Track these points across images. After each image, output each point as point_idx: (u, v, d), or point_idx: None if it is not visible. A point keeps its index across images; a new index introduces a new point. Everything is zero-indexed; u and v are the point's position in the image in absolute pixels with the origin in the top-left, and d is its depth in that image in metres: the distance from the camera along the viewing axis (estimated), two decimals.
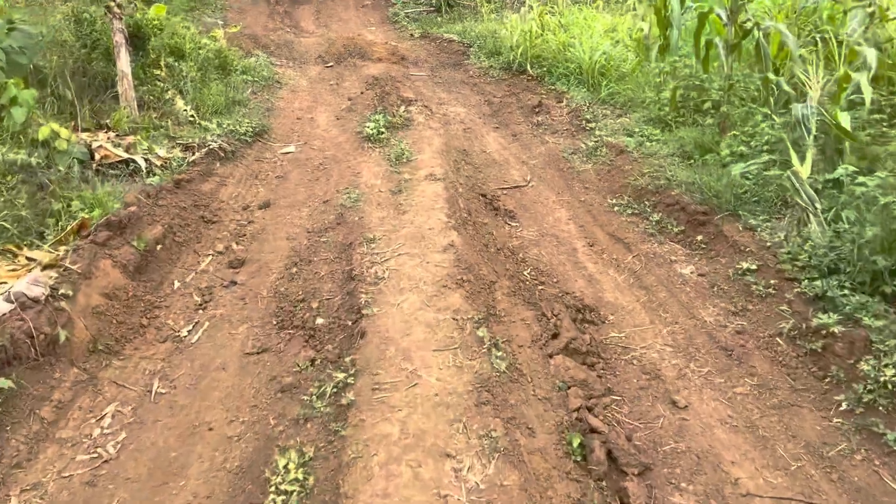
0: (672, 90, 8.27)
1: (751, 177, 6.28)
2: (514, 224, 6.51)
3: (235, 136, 8.67)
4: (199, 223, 6.48)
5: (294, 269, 5.77)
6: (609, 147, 7.96)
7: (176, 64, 10.61)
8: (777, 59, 7.54)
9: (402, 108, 10.14)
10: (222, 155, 7.95)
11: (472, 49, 14.58)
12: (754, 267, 5.38)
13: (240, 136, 8.68)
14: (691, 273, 5.63)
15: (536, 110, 10.24)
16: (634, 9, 15.59)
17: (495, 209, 6.75)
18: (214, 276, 5.78)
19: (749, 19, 7.17)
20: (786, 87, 6.66)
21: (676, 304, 5.26)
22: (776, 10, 8.35)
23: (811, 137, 5.73)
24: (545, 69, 12.36)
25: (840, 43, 6.73)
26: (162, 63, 10.35)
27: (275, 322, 5.07)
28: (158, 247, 5.87)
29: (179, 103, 9.77)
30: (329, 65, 14.02)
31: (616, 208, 6.76)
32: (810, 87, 6.06)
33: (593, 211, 6.73)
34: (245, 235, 6.40)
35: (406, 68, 13.81)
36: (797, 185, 5.54)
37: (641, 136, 8.17)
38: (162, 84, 10.04)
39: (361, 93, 11.79)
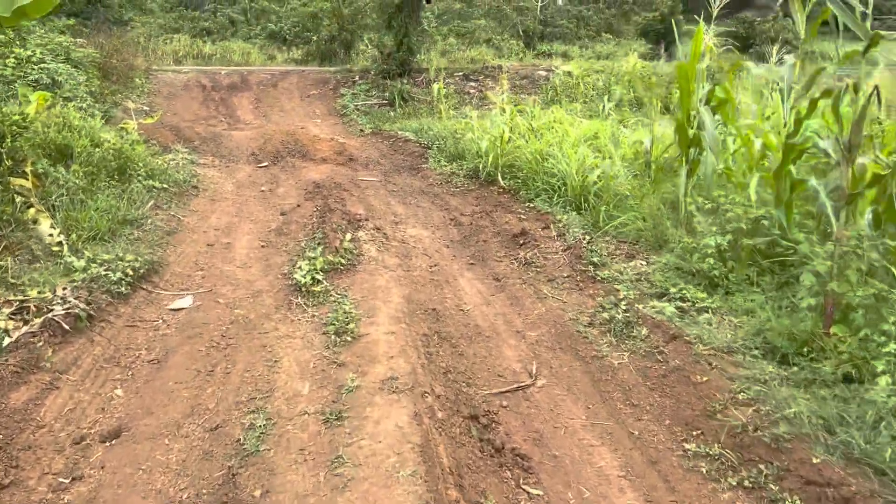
0: (735, 242, 5.62)
1: None
2: (532, 489, 3.60)
3: (105, 285, 5.63)
4: None
5: None
6: (649, 325, 5.20)
7: (52, 170, 7.60)
8: None
9: (349, 234, 7.28)
10: (67, 329, 4.89)
11: (430, 151, 11.95)
12: None
13: (111, 286, 5.64)
14: None
15: (520, 241, 7.50)
16: (609, 113, 13.32)
17: (496, 448, 3.86)
18: None
19: (878, 158, 4.63)
20: None
21: None
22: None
23: None
24: (520, 181, 9.76)
25: None
26: (28, 170, 7.33)
27: None
28: None
29: (44, 226, 6.72)
30: (263, 164, 11.15)
31: (703, 467, 3.70)
32: None
33: (661, 467, 3.75)
34: None
35: (354, 171, 11.03)
36: None
37: (682, 299, 5.48)
38: (23, 198, 7.00)
39: (298, 205, 8.92)
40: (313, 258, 6.31)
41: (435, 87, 14.06)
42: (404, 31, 16.50)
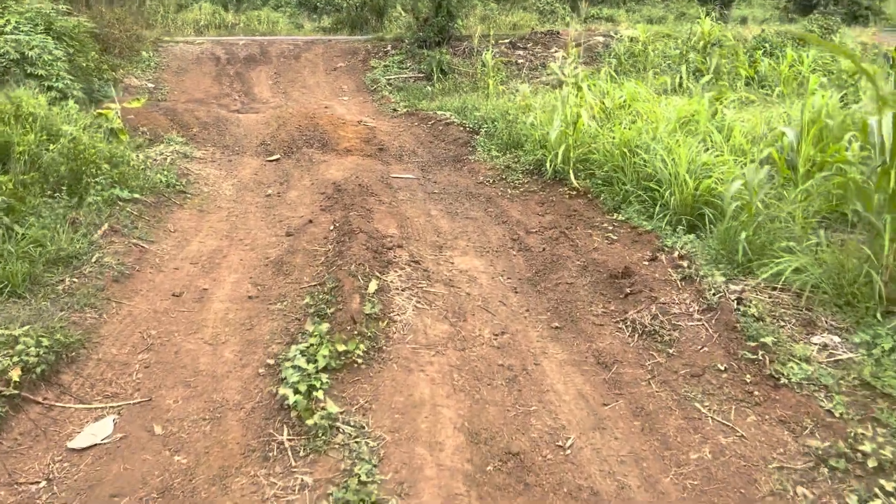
0: None
1: None
2: None
3: None
4: None
5: None
6: None
7: None
8: None
9: (373, 280, 4.65)
10: None
11: (477, 137, 9.19)
12: None
13: None
14: None
15: (624, 285, 4.81)
16: (689, 87, 10.37)
17: None
18: None
19: None
20: None
21: None
22: None
23: None
24: (599, 182, 7.02)
25: None
26: None
27: None
28: None
29: None
30: (273, 158, 8.52)
31: None
32: None
33: None
34: None
35: (386, 166, 8.35)
36: None
37: None
38: None
39: (310, 221, 6.31)
40: (314, 346, 3.68)
41: (484, 56, 11.19)
42: None
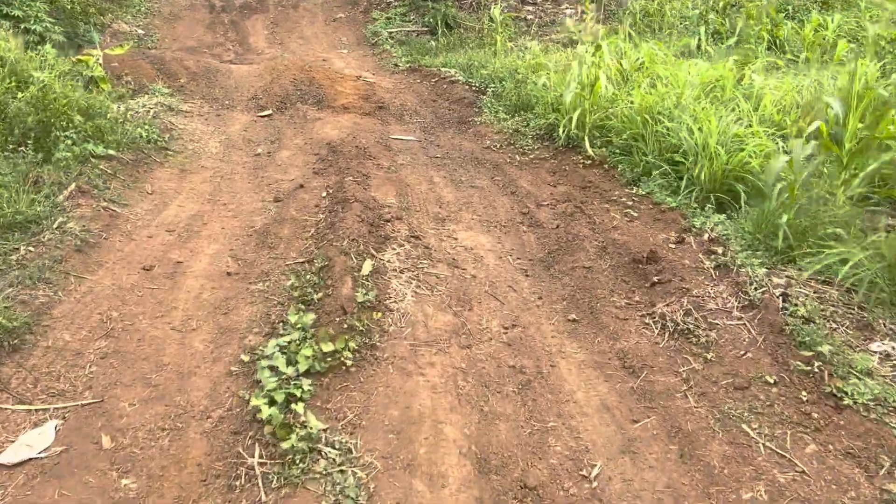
0: None
1: None
2: None
3: None
4: None
5: None
6: None
7: None
8: None
9: (368, 259, 4.03)
10: None
11: (484, 98, 8.45)
12: None
13: None
14: None
15: (649, 272, 4.21)
16: (707, 50, 9.61)
17: None
18: None
19: None
20: None
21: None
22: None
23: None
24: (617, 151, 6.36)
25: None
26: None
27: None
28: None
29: None
30: (265, 113, 7.80)
31: None
32: None
33: None
34: None
35: (385, 125, 7.65)
36: None
37: None
38: None
39: (301, 185, 5.65)
40: (296, 343, 3.07)
41: (492, 10, 10.33)
42: None
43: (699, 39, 10.07)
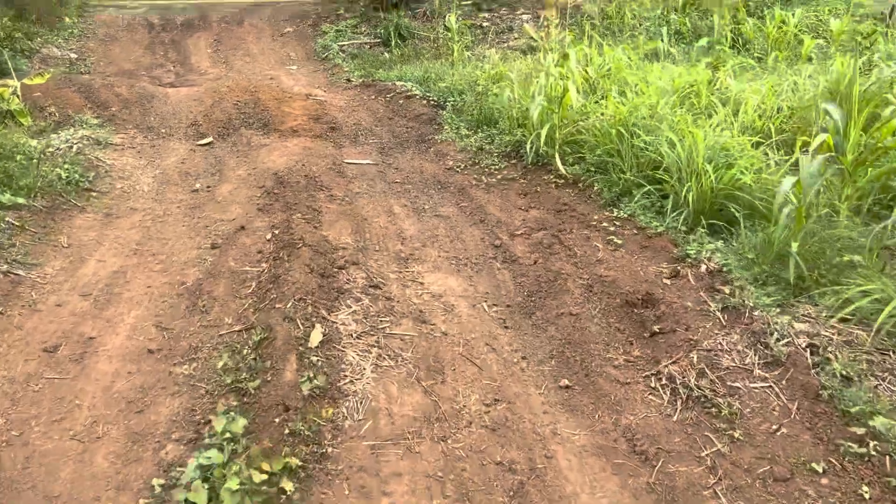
0: None
1: None
2: None
3: None
4: None
5: None
6: None
7: None
8: None
9: (318, 324, 3.29)
10: None
11: (443, 113, 7.77)
12: None
13: None
14: None
15: (648, 317, 3.56)
16: (669, 51, 9.08)
17: None
18: None
19: None
20: None
21: None
22: None
23: None
24: (591, 167, 5.74)
25: None
26: None
27: None
28: None
29: None
30: (205, 141, 6.99)
31: None
32: None
33: None
34: None
35: (338, 148, 6.90)
36: None
37: None
38: None
39: (243, 227, 4.89)
40: (221, 463, 2.32)
41: (447, 19, 9.64)
42: None
43: (662, 40, 9.54)
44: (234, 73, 10.17)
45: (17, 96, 6.89)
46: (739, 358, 3.11)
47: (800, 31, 10.11)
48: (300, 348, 3.10)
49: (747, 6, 10.98)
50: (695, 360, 3.15)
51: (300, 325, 3.31)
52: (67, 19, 11.82)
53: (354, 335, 3.41)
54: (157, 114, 7.63)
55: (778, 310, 3.39)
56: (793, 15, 10.26)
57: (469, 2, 13.06)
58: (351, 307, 3.67)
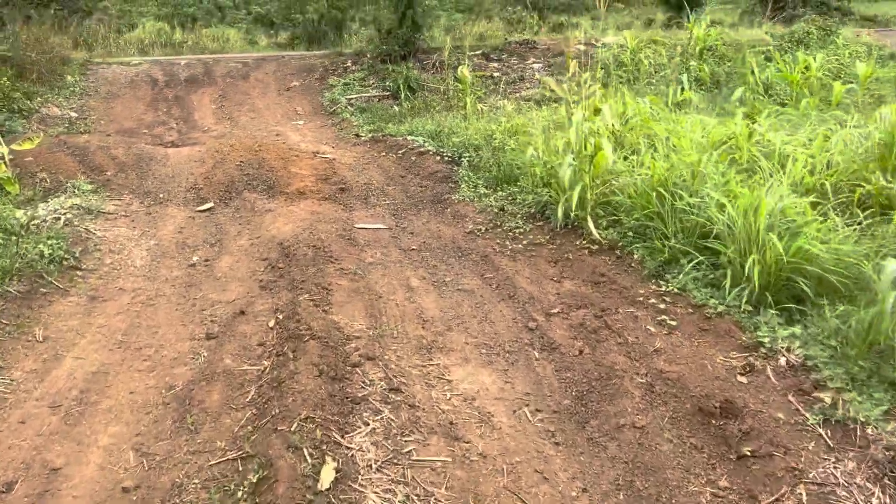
0: None
1: None
2: None
3: None
4: None
5: None
6: None
7: None
8: None
9: (328, 463, 2.61)
10: None
11: (459, 170, 7.20)
12: None
13: None
14: None
15: (732, 432, 2.89)
16: (688, 99, 8.52)
17: None
18: None
19: None
20: None
21: None
22: None
23: None
24: (628, 231, 5.12)
25: None
26: None
27: None
28: None
29: None
30: (206, 206, 6.41)
31: None
32: None
33: None
34: None
35: (349, 212, 6.31)
36: None
37: None
38: None
39: (242, 311, 4.24)
40: None
41: (459, 70, 9.17)
42: (407, 1, 11.58)
43: (682, 89, 9.02)
44: (239, 130, 9.69)
45: (5, 163, 6.34)
46: (864, 498, 2.41)
47: (824, 74, 9.61)
48: (308, 496, 2.42)
49: (766, 51, 10.52)
50: (804, 499, 2.44)
51: (307, 458, 2.64)
52: (69, 77, 11.45)
53: (374, 466, 2.73)
54: (156, 177, 7.08)
55: (894, 424, 2.69)
56: (814, 59, 9.75)
57: (478, 52, 12.67)
58: (369, 424, 3.00)
